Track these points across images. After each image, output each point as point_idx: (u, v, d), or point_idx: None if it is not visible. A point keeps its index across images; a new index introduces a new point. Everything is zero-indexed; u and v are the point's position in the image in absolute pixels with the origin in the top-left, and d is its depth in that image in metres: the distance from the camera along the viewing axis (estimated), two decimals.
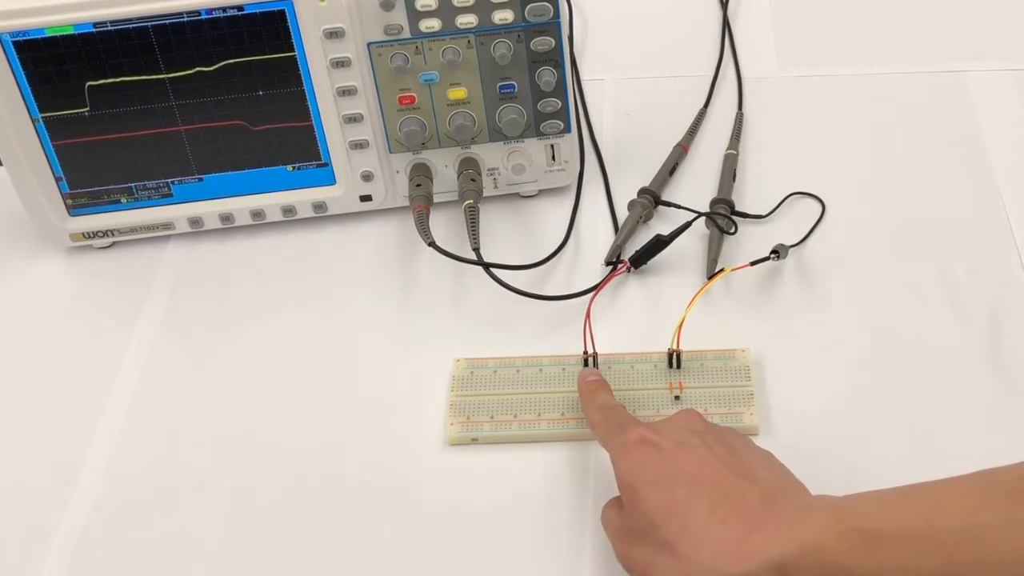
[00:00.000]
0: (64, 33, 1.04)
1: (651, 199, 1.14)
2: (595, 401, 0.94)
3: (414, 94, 1.09)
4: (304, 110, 1.10)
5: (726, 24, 1.38)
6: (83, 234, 1.16)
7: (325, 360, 1.06)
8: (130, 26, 1.04)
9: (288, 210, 1.16)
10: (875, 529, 0.72)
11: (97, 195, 1.14)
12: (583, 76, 1.33)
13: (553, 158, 1.15)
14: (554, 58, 1.08)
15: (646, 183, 1.16)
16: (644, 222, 1.14)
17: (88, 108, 1.08)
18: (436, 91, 1.09)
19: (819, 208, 1.13)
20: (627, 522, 0.83)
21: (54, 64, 1.05)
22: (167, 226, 1.16)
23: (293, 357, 1.06)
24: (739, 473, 0.80)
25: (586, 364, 1.00)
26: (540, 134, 1.12)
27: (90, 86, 1.07)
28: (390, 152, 1.13)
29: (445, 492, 0.95)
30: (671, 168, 1.19)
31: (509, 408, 0.98)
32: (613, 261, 1.10)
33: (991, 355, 0.99)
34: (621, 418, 0.91)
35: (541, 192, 1.18)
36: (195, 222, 1.16)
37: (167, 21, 1.04)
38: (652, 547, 0.79)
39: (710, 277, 1.06)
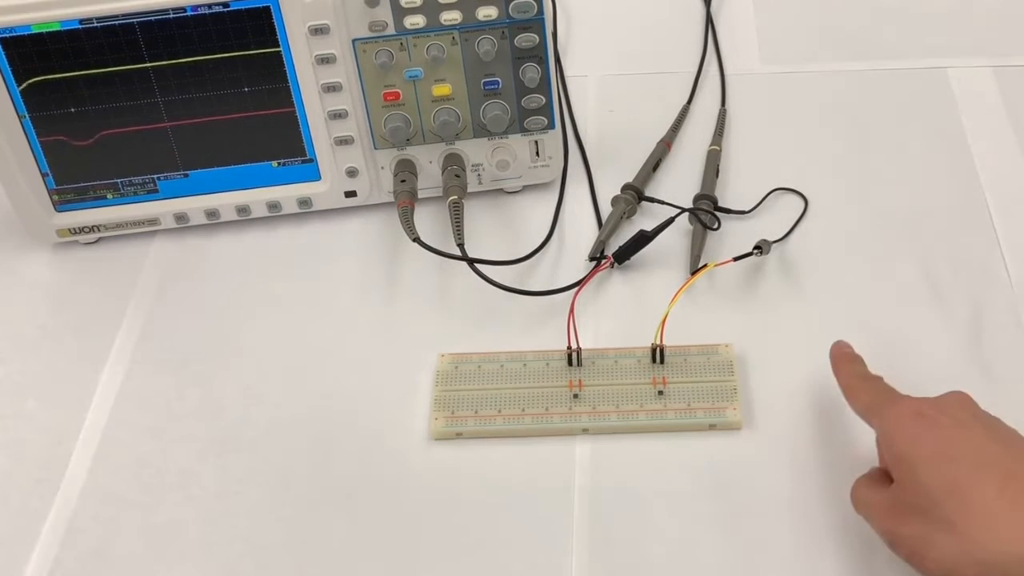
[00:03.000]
0: (50, 29, 1.04)
1: (634, 195, 1.14)
2: (854, 369, 0.92)
3: (399, 90, 1.09)
4: (289, 106, 1.11)
5: (709, 21, 1.38)
6: (69, 230, 1.16)
7: (310, 355, 1.06)
8: (116, 22, 1.04)
9: (273, 206, 1.16)
10: None
11: (83, 191, 1.14)
12: (567, 72, 1.33)
13: (537, 154, 1.15)
14: (538, 54, 1.08)
15: (630, 179, 1.17)
16: (628, 218, 1.14)
17: (74, 104, 1.08)
18: (421, 87, 1.09)
19: (802, 204, 1.14)
20: (899, 497, 0.80)
21: (40, 60, 1.05)
22: (153, 222, 1.16)
23: (278, 353, 1.07)
24: (1020, 456, 0.78)
25: (570, 359, 1.00)
26: (524, 130, 1.13)
27: (76, 82, 1.07)
28: (375, 148, 1.13)
29: (429, 487, 0.95)
30: (654, 164, 1.19)
31: (493, 403, 0.99)
32: (597, 257, 1.10)
33: (973, 350, 1.00)
34: (888, 389, 0.89)
35: (525, 188, 1.19)
36: (181, 218, 1.16)
37: (153, 17, 1.04)
38: (930, 524, 0.76)
39: (693, 273, 1.06)
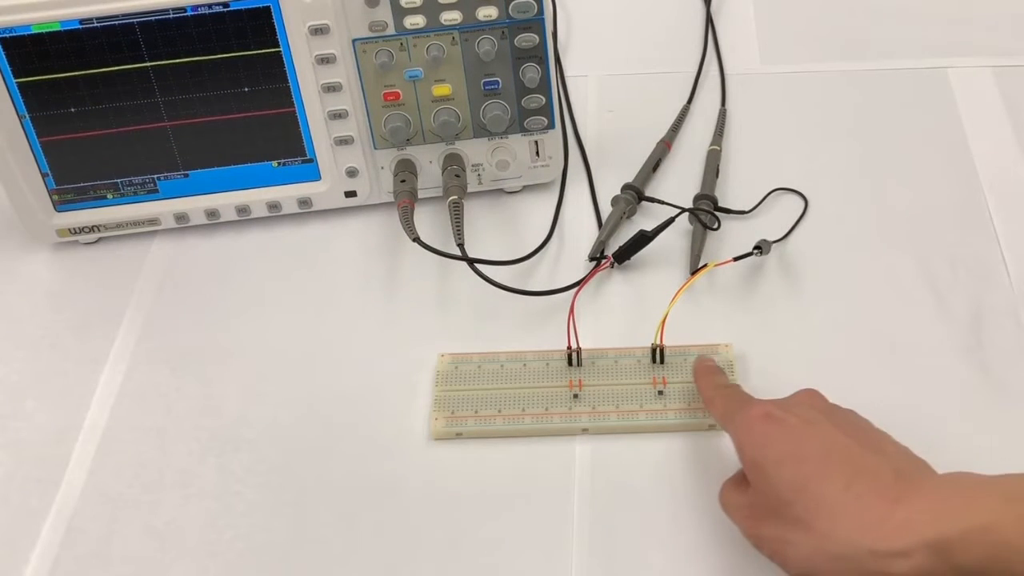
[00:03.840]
0: (50, 30, 1.04)
1: (634, 195, 1.14)
2: (712, 381, 0.94)
3: (399, 90, 1.09)
4: (289, 106, 1.11)
5: (709, 21, 1.38)
6: (69, 230, 1.16)
7: (310, 355, 1.06)
8: (116, 22, 1.04)
9: (273, 206, 1.16)
10: None
11: (83, 191, 1.14)
12: (567, 72, 1.33)
13: (537, 154, 1.15)
14: (538, 54, 1.08)
15: (630, 179, 1.17)
16: (627, 218, 1.14)
17: (74, 104, 1.08)
18: (421, 87, 1.09)
19: (802, 204, 1.14)
20: (755, 499, 0.82)
21: (40, 60, 1.05)
22: (153, 222, 1.16)
23: (278, 352, 1.07)
24: (869, 448, 0.79)
25: (570, 360, 1.00)
26: (524, 130, 1.13)
27: (76, 82, 1.07)
28: (375, 148, 1.13)
29: (429, 487, 0.95)
30: (654, 164, 1.19)
31: (493, 403, 0.99)
32: (597, 257, 1.10)
33: (973, 350, 1.00)
34: (741, 395, 0.91)
35: (525, 188, 1.19)
36: (181, 218, 1.16)
37: (153, 17, 1.04)
38: (784, 524, 0.78)
39: (693, 272, 1.06)
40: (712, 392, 0.93)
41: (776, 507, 0.79)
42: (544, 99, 1.11)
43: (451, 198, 1.11)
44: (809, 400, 0.86)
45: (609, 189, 1.17)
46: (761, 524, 0.81)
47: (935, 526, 0.73)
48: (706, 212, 1.11)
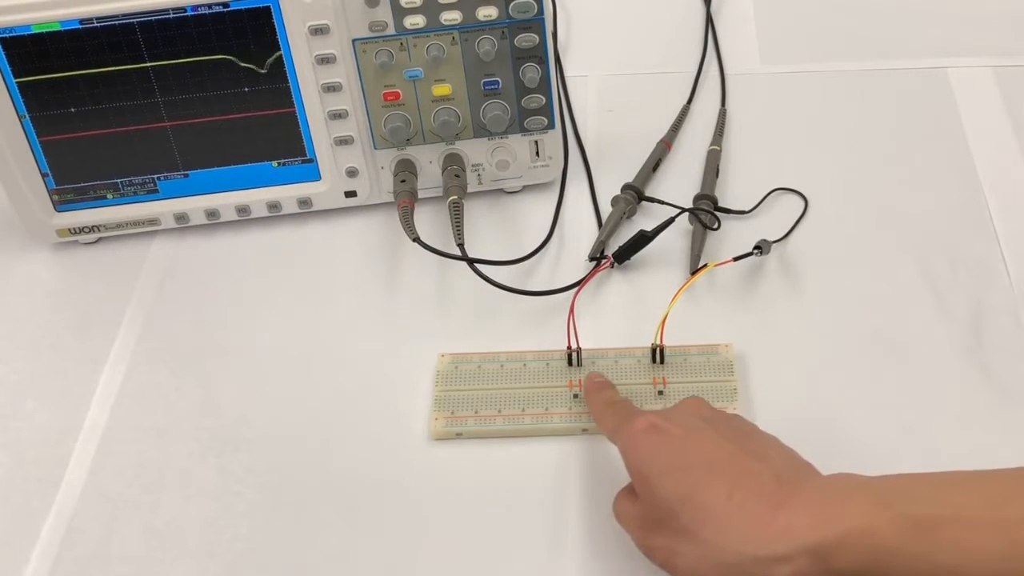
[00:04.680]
0: (50, 29, 1.04)
1: (634, 195, 1.14)
2: (601, 396, 0.95)
3: (399, 90, 1.09)
4: (289, 106, 1.11)
5: (709, 21, 1.38)
6: (69, 230, 1.16)
7: (310, 355, 1.06)
8: (116, 22, 1.04)
9: (273, 206, 1.16)
10: (931, 514, 0.72)
11: (83, 191, 1.14)
12: (567, 72, 1.33)
13: (537, 154, 1.15)
14: (538, 54, 1.08)
15: (630, 179, 1.17)
16: (627, 218, 1.14)
17: (74, 104, 1.08)
18: (421, 87, 1.09)
19: (802, 204, 1.14)
20: (644, 511, 0.82)
21: (40, 60, 1.06)
22: (153, 222, 1.16)
23: (278, 352, 1.07)
24: (751, 454, 0.80)
25: (570, 359, 1.00)
26: (524, 130, 1.13)
27: (76, 82, 1.07)
28: (375, 148, 1.13)
29: (429, 487, 0.95)
30: (654, 164, 1.19)
31: (493, 403, 0.99)
32: (597, 257, 1.10)
33: (973, 350, 1.00)
34: (628, 408, 0.91)
35: (525, 188, 1.19)
36: (181, 218, 1.16)
37: (153, 17, 1.04)
38: (672, 534, 0.79)
39: (693, 273, 1.06)
40: (601, 408, 0.94)
41: (663, 518, 0.79)
42: (544, 99, 1.11)
43: (451, 198, 1.11)
44: (693, 408, 0.86)
45: (609, 189, 1.17)
46: (651, 535, 0.82)
47: (814, 531, 0.73)
48: (706, 212, 1.11)
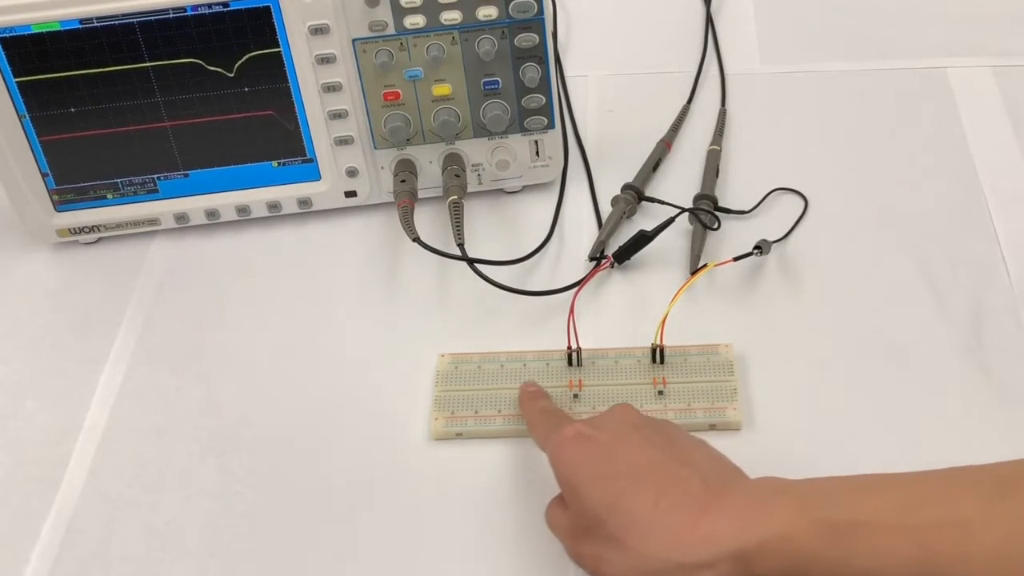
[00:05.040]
0: (50, 29, 1.04)
1: (634, 195, 1.14)
2: (535, 405, 0.95)
3: (399, 90, 1.09)
4: (289, 106, 1.11)
5: (709, 21, 1.38)
6: (69, 230, 1.16)
7: (310, 355, 1.06)
8: (116, 22, 1.04)
9: (273, 206, 1.16)
10: (847, 519, 0.72)
11: (83, 191, 1.14)
12: (567, 72, 1.33)
13: (537, 154, 1.15)
14: (538, 54, 1.08)
15: (630, 179, 1.17)
16: (627, 218, 1.14)
17: (74, 104, 1.08)
18: (421, 87, 1.09)
19: (802, 204, 1.14)
20: (573, 520, 0.83)
21: (40, 60, 1.06)
22: (153, 222, 1.16)
23: (278, 352, 1.07)
24: (677, 460, 0.80)
25: (570, 359, 1.00)
26: (524, 130, 1.13)
27: (76, 82, 1.07)
28: (375, 148, 1.13)
29: (429, 487, 0.95)
30: (654, 164, 1.19)
31: (493, 403, 0.99)
32: (597, 257, 1.10)
33: (973, 350, 1.00)
34: (558, 417, 0.91)
35: (525, 188, 1.19)
36: (181, 218, 1.16)
37: (153, 17, 1.04)
38: (600, 542, 0.79)
39: (693, 273, 1.06)
40: (534, 417, 0.94)
41: (591, 526, 0.80)
42: (544, 99, 1.11)
43: (451, 198, 1.11)
44: (622, 416, 0.87)
45: (609, 189, 1.17)
46: (580, 543, 0.82)
47: (736, 537, 0.74)
48: (706, 212, 1.11)
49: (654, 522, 0.76)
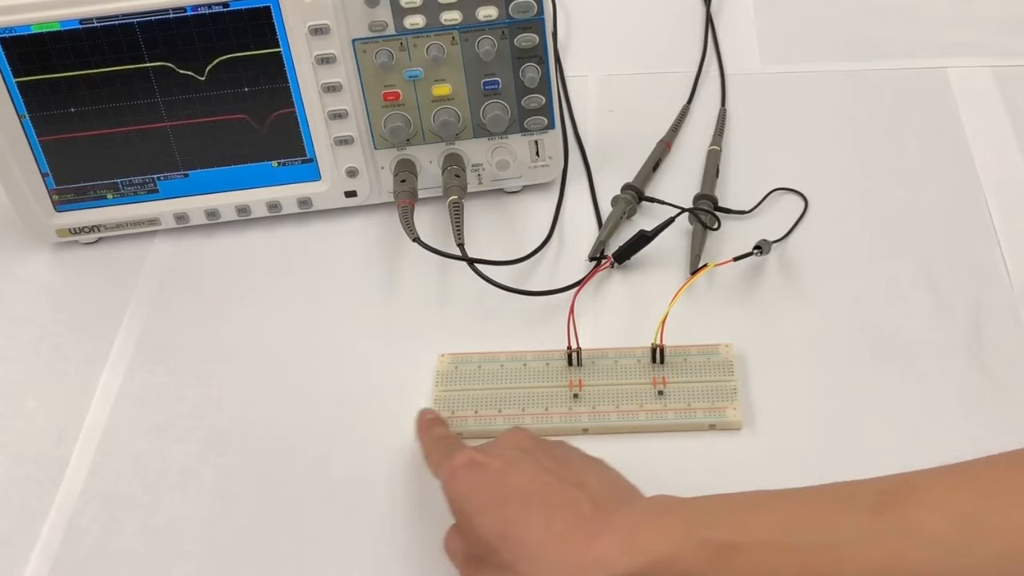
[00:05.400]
0: (50, 30, 1.04)
1: (635, 195, 1.14)
2: (431, 433, 0.94)
3: (399, 90, 1.09)
4: (289, 106, 1.11)
5: (709, 21, 1.38)
6: (69, 230, 1.16)
7: (310, 355, 1.06)
8: (116, 22, 1.04)
9: (273, 206, 1.16)
10: (729, 539, 0.72)
11: (83, 191, 1.14)
12: (567, 72, 1.33)
13: (537, 154, 1.15)
14: (538, 54, 1.08)
15: (630, 179, 1.17)
16: (628, 218, 1.14)
17: (74, 104, 1.09)
18: (421, 87, 1.09)
19: (802, 204, 1.14)
20: (467, 547, 0.82)
21: (40, 60, 1.06)
22: (153, 222, 1.16)
23: (278, 352, 1.07)
24: (569, 483, 0.79)
25: (570, 359, 1.00)
26: (524, 130, 1.13)
27: (76, 82, 1.07)
28: (375, 148, 1.13)
29: (430, 487, 0.95)
30: (654, 164, 1.19)
31: (493, 403, 0.99)
32: (597, 257, 1.10)
33: (973, 350, 1.00)
34: (452, 445, 0.90)
35: (525, 188, 1.19)
36: (181, 218, 1.16)
37: (153, 18, 1.04)
38: (494, 569, 0.78)
39: (693, 272, 1.06)
40: (429, 445, 0.93)
41: (484, 555, 0.79)
42: (544, 99, 1.11)
43: (451, 198, 1.11)
44: (513, 441, 0.86)
45: (609, 189, 1.17)
46: (475, 570, 0.81)
47: (624, 560, 0.73)
48: (706, 212, 1.11)
49: (545, 547, 0.75)
